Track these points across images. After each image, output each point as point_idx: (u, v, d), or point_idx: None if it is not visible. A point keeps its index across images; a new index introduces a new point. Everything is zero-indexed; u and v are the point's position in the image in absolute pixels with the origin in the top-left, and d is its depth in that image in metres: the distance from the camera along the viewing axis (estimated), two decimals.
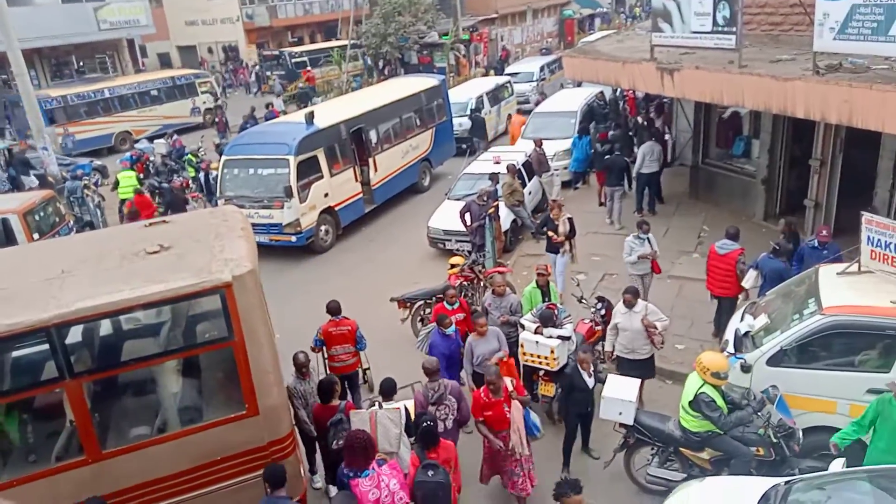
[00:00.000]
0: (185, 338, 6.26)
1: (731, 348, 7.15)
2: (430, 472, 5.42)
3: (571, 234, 10.75)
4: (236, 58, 39.76)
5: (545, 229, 10.97)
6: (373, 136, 15.99)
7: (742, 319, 7.55)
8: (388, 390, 6.52)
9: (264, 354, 5.80)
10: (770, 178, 12.32)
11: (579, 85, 20.43)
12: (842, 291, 6.68)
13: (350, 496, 5.11)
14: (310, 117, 14.31)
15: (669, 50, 11.37)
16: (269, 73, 35.36)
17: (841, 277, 6.96)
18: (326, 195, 14.31)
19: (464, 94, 21.66)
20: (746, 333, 7.16)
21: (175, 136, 21.97)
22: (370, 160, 15.81)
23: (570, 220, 10.70)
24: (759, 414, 6.28)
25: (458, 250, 12.49)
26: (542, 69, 27.15)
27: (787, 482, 5.49)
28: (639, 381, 7.17)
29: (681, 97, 12.64)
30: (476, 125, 20.29)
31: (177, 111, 27.58)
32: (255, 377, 5.75)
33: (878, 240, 6.70)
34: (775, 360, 6.65)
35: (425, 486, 5.35)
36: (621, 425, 6.86)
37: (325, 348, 8.26)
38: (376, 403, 6.39)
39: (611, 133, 16.20)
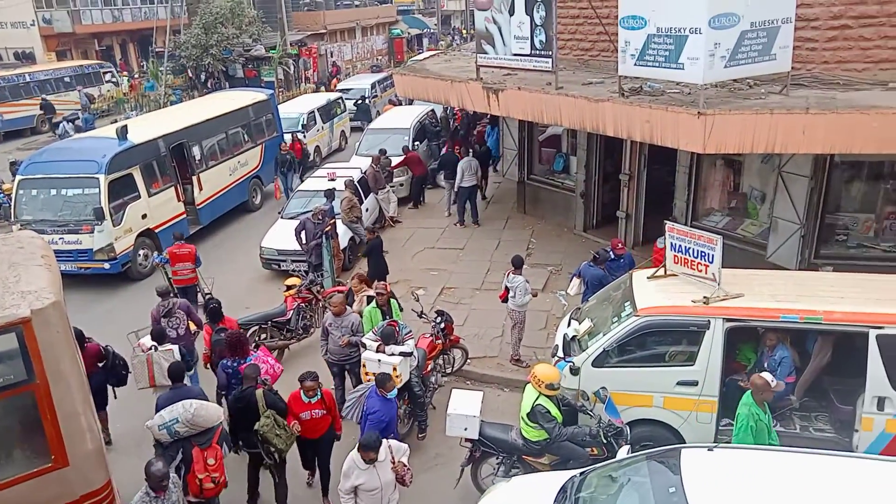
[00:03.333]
0: None
1: (560, 353, 7.57)
2: (222, 334, 7.84)
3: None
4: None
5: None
6: (196, 152, 15.06)
7: (569, 325, 8.03)
8: (159, 336, 7.96)
9: (73, 397, 5.16)
10: (587, 192, 13.33)
11: (411, 102, 20.83)
12: (652, 294, 7.32)
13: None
14: (122, 132, 13.17)
15: (494, 70, 11.94)
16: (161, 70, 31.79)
17: (651, 281, 7.64)
18: (144, 216, 13.24)
19: (294, 109, 21.18)
20: (573, 338, 7.63)
21: None
22: (194, 178, 14.85)
23: (370, 298, 9.03)
24: (591, 420, 6.72)
25: (293, 271, 12.11)
26: (373, 86, 27.35)
27: (581, 473, 5.89)
28: (481, 394, 7.29)
29: (506, 115, 13.29)
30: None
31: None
32: (63, 423, 5.09)
33: (679, 245, 7.45)
34: (599, 361, 7.13)
35: (221, 342, 7.76)
36: (467, 440, 6.96)
37: (169, 265, 10.90)
38: (152, 347, 7.74)
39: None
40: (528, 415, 6.62)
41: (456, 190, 14.68)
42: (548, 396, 6.59)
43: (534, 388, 6.65)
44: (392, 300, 8.91)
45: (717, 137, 8.17)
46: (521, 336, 9.44)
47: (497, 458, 6.98)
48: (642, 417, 7.05)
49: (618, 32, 9.27)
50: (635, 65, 9.04)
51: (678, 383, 6.90)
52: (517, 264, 9.26)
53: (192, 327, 8.97)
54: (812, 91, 8.78)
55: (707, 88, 8.44)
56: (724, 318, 6.74)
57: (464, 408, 6.87)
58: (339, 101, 23.47)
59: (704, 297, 6.90)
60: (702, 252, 7.17)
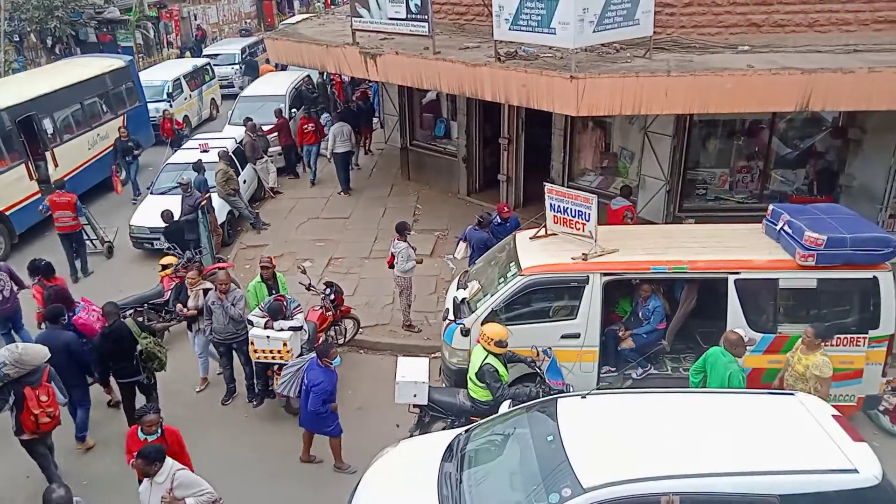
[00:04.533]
0: None
1: (451, 315, 7.72)
2: (52, 288, 8.38)
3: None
4: None
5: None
6: (48, 125, 13.76)
7: (458, 288, 8.19)
8: None
9: None
10: (469, 156, 13.51)
11: (284, 68, 20.06)
12: (535, 254, 7.60)
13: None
14: None
15: (370, 35, 11.70)
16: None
17: (533, 242, 7.93)
18: None
19: (158, 76, 19.82)
20: (463, 300, 7.79)
21: None
22: (47, 154, 13.60)
23: (207, 291, 8.33)
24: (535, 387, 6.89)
25: (169, 249, 11.45)
26: (244, 51, 26.04)
27: (467, 430, 6.12)
28: (427, 360, 7.32)
29: (385, 81, 13.12)
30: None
31: None
32: None
33: (558, 206, 7.76)
34: (489, 321, 7.31)
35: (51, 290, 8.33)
36: (415, 406, 7.00)
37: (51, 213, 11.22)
38: None
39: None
40: (476, 374, 6.72)
41: (329, 157, 14.43)
42: (496, 355, 6.69)
43: (483, 347, 6.74)
44: (278, 274, 8.71)
45: (588, 100, 8.49)
46: (410, 301, 9.53)
47: (446, 422, 7.05)
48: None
49: None
50: (510, 29, 9.14)
51: (562, 336, 7.26)
52: (399, 230, 9.28)
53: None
54: (672, 55, 9.31)
55: (578, 53, 8.73)
56: (601, 273, 7.14)
57: (412, 375, 6.91)
58: (208, 67, 22.18)
59: (583, 254, 7.26)
60: (579, 211, 7.50)
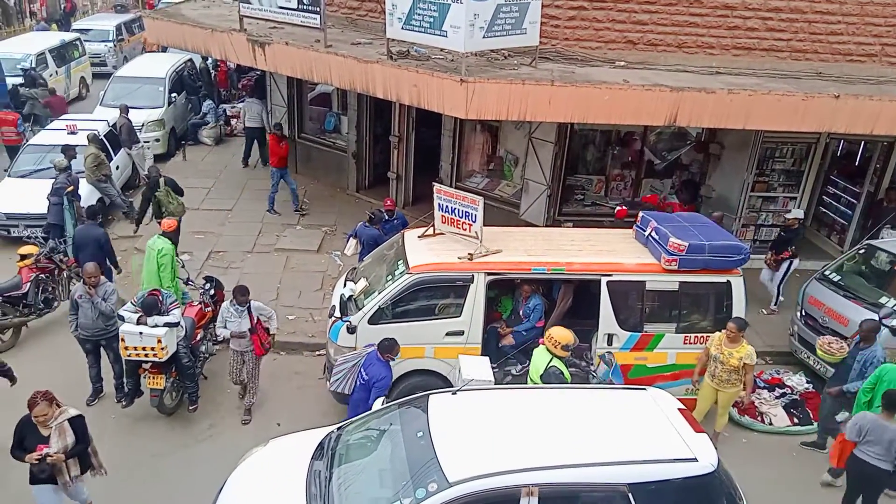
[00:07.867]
0: None
1: (337, 313, 7.68)
2: None
3: (83, 443, 5.89)
4: None
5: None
6: None
7: (345, 285, 8.16)
8: None
9: None
10: (359, 152, 13.43)
11: (164, 50, 19.03)
12: (423, 252, 7.72)
13: None
14: None
15: (259, 23, 11.36)
16: None
17: (421, 240, 8.04)
18: None
19: (19, 49, 18.15)
20: (350, 297, 7.77)
21: None
22: None
23: (76, 420, 5.88)
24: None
25: (29, 237, 10.54)
26: (119, 29, 24.37)
27: (339, 427, 6.14)
28: (487, 358, 7.18)
29: (273, 71, 12.77)
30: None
31: None
32: None
33: (447, 206, 7.92)
34: (375, 319, 7.37)
35: None
36: None
37: None
38: None
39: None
40: (541, 376, 6.68)
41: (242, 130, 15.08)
42: (560, 358, 6.68)
43: (548, 350, 6.73)
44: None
45: (477, 104, 8.72)
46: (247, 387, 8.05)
47: None
48: (416, 368, 7.49)
49: None
50: (402, 28, 9.20)
51: (447, 334, 7.42)
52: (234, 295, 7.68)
53: None
54: (556, 65, 9.75)
55: (468, 57, 8.93)
56: (485, 273, 7.37)
57: (478, 374, 6.76)
58: (78, 42, 20.57)
59: (469, 254, 7.46)
60: (466, 212, 7.70)
